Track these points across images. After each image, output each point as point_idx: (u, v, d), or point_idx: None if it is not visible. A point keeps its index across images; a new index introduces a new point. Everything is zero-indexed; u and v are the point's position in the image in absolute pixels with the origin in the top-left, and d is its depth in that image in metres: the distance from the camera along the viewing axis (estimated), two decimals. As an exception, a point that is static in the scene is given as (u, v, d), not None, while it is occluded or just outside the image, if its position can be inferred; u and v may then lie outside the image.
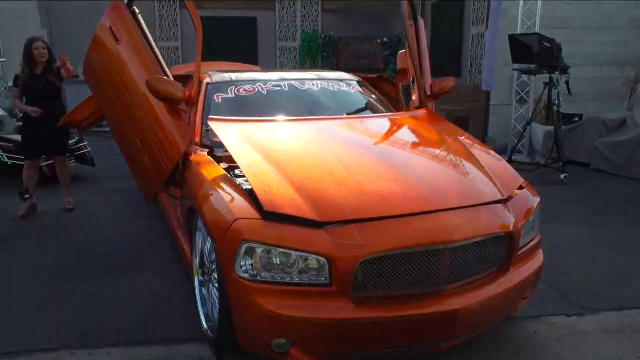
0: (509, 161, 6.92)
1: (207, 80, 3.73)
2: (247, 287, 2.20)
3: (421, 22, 4.10)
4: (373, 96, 4.01)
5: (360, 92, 3.98)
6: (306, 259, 2.18)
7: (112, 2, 3.33)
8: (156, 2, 12.61)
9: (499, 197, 2.57)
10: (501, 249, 2.47)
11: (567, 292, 3.32)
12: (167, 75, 3.22)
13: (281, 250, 2.18)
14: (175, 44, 12.93)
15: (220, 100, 3.52)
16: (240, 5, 12.69)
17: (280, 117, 3.35)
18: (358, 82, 4.13)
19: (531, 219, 2.67)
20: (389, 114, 3.71)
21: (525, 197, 2.75)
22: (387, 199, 2.37)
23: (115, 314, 3.06)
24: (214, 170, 2.76)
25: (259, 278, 2.20)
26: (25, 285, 3.44)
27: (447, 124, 3.45)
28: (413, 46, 4.02)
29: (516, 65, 7.08)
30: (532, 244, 2.70)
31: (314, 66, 13.23)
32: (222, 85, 3.65)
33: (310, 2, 13.15)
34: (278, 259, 2.19)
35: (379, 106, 3.86)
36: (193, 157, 3.03)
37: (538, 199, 2.80)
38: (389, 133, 3.20)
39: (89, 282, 3.47)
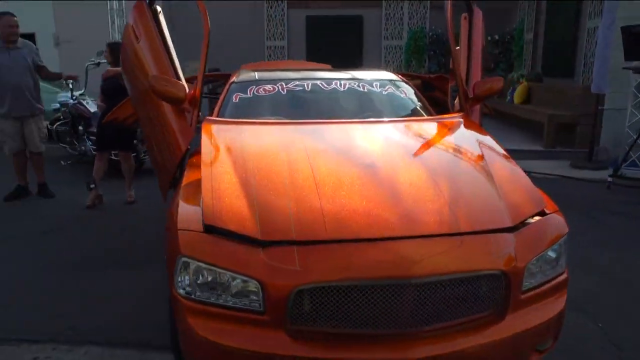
0: (616, 175, 5.96)
1: (234, 79, 3.64)
2: (182, 304, 2.03)
3: (477, 14, 3.60)
4: (412, 99, 3.59)
5: (396, 94, 3.58)
6: (240, 281, 1.94)
7: (135, 1, 3.35)
8: (266, 2, 12.99)
9: (500, 225, 2.10)
10: (495, 290, 2.01)
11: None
12: (177, 75, 3.16)
13: (215, 269, 1.97)
14: (281, 43, 13.22)
15: (237, 100, 3.39)
16: (345, 3, 12.58)
17: (283, 119, 3.14)
18: (399, 82, 3.74)
19: (550, 253, 2.15)
20: (410, 118, 3.29)
21: (544, 226, 2.22)
22: (345, 221, 2.04)
23: (111, 310, 3.08)
24: (193, 174, 2.62)
25: (193, 296, 2.01)
26: (49, 274, 3.64)
27: (474, 133, 2.97)
28: (463, 41, 3.55)
29: (631, 63, 6.03)
30: (550, 284, 2.17)
31: (419, 65, 12.73)
32: (245, 85, 3.52)
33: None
34: (211, 278, 1.98)
35: (413, 110, 3.45)
36: (189, 160, 2.93)
37: (565, 230, 2.25)
38: (393, 141, 2.79)
39: (110, 275, 3.57)
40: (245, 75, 3.71)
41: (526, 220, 2.18)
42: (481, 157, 2.58)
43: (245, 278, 1.92)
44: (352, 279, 1.87)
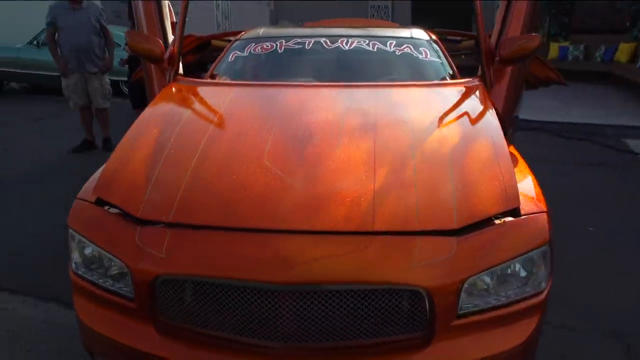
0: None
1: (239, 36, 3.37)
2: (71, 279, 1.87)
3: None
4: (432, 60, 3.01)
5: (412, 55, 3.02)
6: (113, 262, 1.72)
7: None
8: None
9: (438, 226, 1.61)
10: (416, 309, 1.55)
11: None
12: (164, 34, 2.97)
13: (92, 245, 1.76)
14: (385, 3, 12.57)
15: (232, 59, 3.11)
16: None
17: (270, 80, 2.81)
18: (423, 41, 3.16)
19: (515, 267, 1.63)
20: (401, 83, 2.70)
21: (509, 232, 1.66)
22: (236, 205, 1.70)
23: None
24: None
25: (79, 272, 1.84)
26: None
27: (471, 106, 2.37)
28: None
29: None
30: (510, 308, 1.62)
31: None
32: (246, 42, 3.23)
33: (543, -50, 11.09)
34: (91, 255, 1.78)
35: (426, 73, 2.89)
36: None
37: (545, 238, 1.66)
38: (358, 110, 2.25)
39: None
40: (251, 32, 3.40)
41: (488, 221, 1.66)
42: (456, 137, 2.03)
43: (114, 259, 1.69)
44: (212, 276, 1.55)
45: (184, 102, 2.49)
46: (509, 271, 1.64)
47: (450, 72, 2.94)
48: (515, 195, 1.73)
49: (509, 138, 2.64)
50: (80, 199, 1.90)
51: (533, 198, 1.80)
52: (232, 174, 1.82)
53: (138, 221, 1.70)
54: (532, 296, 1.66)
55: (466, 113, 2.23)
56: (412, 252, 1.56)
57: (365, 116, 2.15)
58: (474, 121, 2.15)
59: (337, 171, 1.81)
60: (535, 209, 1.74)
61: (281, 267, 1.49)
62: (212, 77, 3.01)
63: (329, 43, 3.06)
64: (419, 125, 2.12)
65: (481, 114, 2.22)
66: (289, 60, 3.03)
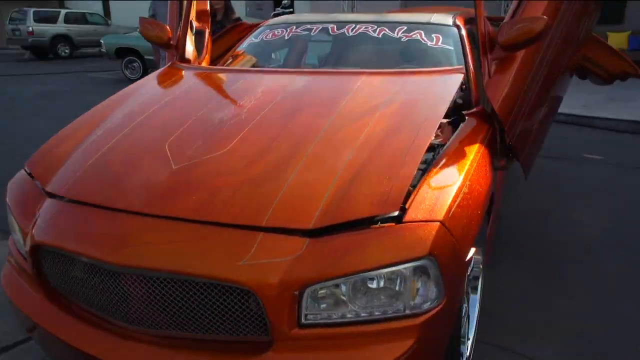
0: None
1: (263, 23, 3.39)
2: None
3: None
4: (442, 47, 2.73)
5: (420, 42, 2.77)
6: (19, 228, 1.86)
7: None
8: None
9: (291, 224, 1.49)
10: (252, 311, 1.45)
11: None
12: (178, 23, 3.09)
13: (9, 210, 1.93)
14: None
15: (246, 46, 3.15)
16: None
17: (260, 66, 2.81)
18: (438, 27, 2.88)
19: (378, 278, 1.44)
20: (381, 70, 2.45)
21: (374, 239, 1.46)
22: (115, 185, 1.74)
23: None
24: None
25: (10, 235, 2.02)
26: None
27: (430, 98, 2.09)
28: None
29: None
30: (370, 327, 1.45)
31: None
32: (264, 29, 3.25)
33: None
34: (12, 222, 1.94)
35: (427, 61, 2.62)
36: None
37: (423, 250, 1.42)
38: (302, 99, 2.13)
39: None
40: (279, 18, 3.38)
41: (367, 223, 1.49)
42: (378, 130, 1.84)
43: (17, 225, 1.83)
44: (65, 249, 1.60)
45: (152, 86, 2.56)
46: (373, 283, 1.44)
47: (465, 60, 2.63)
48: (397, 199, 1.51)
49: (516, 140, 2.30)
50: (24, 169, 2.08)
51: (432, 206, 1.55)
52: (131, 157, 1.88)
53: (47, 194, 1.82)
54: (406, 317, 1.44)
55: (410, 105, 1.98)
56: (249, 249, 1.44)
57: (295, 104, 2.05)
58: (411, 114, 1.91)
59: (222, 159, 1.76)
60: (423, 218, 1.49)
61: (114, 247, 1.49)
62: (225, 62, 3.07)
63: (335, 30, 2.94)
64: (345, 116, 1.94)
65: (428, 107, 1.96)
66: (290, 47, 2.98)
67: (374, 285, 1.44)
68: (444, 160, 1.83)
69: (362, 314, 1.44)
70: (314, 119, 1.95)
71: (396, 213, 1.49)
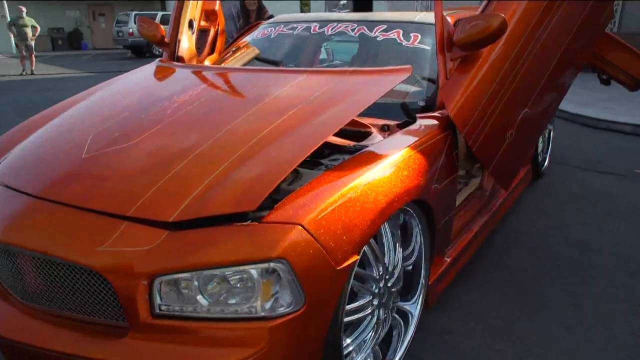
0: None
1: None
2: None
3: None
4: (421, 47, 2.61)
5: (395, 41, 2.65)
6: None
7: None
8: None
9: (151, 214, 1.53)
10: (109, 296, 1.50)
11: None
12: (178, 25, 3.22)
13: None
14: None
15: (240, 44, 3.20)
16: None
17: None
18: (420, 26, 2.74)
19: (222, 275, 1.43)
20: (324, 69, 2.41)
21: (224, 236, 1.46)
22: (27, 168, 1.90)
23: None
24: None
25: None
26: None
27: (352, 98, 1.98)
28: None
29: None
30: (216, 324, 1.44)
31: None
32: (261, 28, 3.29)
33: None
34: None
35: (405, 60, 2.51)
36: None
37: (267, 253, 1.39)
38: (225, 97, 2.14)
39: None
40: (279, 17, 3.41)
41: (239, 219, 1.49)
42: (283, 128, 1.81)
43: None
44: None
45: (124, 81, 2.69)
46: (223, 281, 1.43)
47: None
48: (255, 198, 1.48)
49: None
50: None
51: (299, 209, 1.49)
52: (58, 146, 2.00)
53: None
54: (258, 319, 1.41)
55: (327, 105, 1.91)
56: (110, 236, 1.49)
57: (220, 101, 2.08)
58: (319, 114, 1.85)
59: (125, 151, 1.86)
60: (283, 220, 1.45)
61: (6, 228, 1.61)
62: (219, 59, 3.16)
63: (316, 29, 2.91)
64: (258, 114, 1.92)
65: (342, 108, 1.88)
66: (270, 46, 2.99)
67: (224, 282, 1.44)
68: (346, 163, 1.76)
69: (214, 311, 1.44)
70: (227, 115, 1.96)
71: (251, 212, 1.48)
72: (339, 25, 2.85)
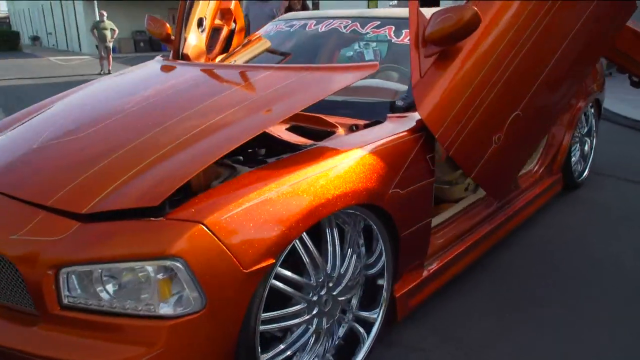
0: None
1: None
2: None
3: None
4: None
5: (388, 38, 2.53)
6: None
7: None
8: None
9: (65, 205, 1.54)
10: (19, 283, 1.52)
11: None
12: (187, 23, 3.26)
13: None
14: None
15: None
16: None
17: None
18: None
19: (119, 271, 1.42)
20: (292, 66, 2.35)
21: (125, 231, 1.45)
22: None
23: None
24: None
25: None
26: None
27: (304, 93, 1.89)
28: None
29: None
30: (119, 320, 1.42)
31: None
32: (270, 25, 3.28)
33: None
34: None
35: (393, 56, 2.41)
36: None
37: (160, 249, 1.36)
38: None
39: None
40: (281, 17, 3.38)
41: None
42: (228, 121, 1.76)
43: None
44: None
45: (122, 76, 2.75)
46: (120, 275, 1.41)
47: None
48: (159, 193, 1.45)
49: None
50: None
51: (205, 207, 1.45)
52: (22, 136, 2.05)
53: None
54: (156, 317, 1.39)
55: (273, 101, 1.85)
56: (26, 225, 1.51)
57: (176, 96, 2.07)
58: (260, 110, 1.79)
59: (71, 142, 1.91)
60: (186, 217, 1.41)
61: None
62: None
63: (312, 26, 2.84)
64: (204, 109, 1.89)
65: (285, 104, 1.80)
66: (274, 42, 2.96)
67: (123, 277, 1.42)
68: (281, 161, 1.69)
69: (116, 306, 1.42)
70: (172, 112, 1.95)
71: (154, 207, 1.45)
72: (333, 22, 2.77)
